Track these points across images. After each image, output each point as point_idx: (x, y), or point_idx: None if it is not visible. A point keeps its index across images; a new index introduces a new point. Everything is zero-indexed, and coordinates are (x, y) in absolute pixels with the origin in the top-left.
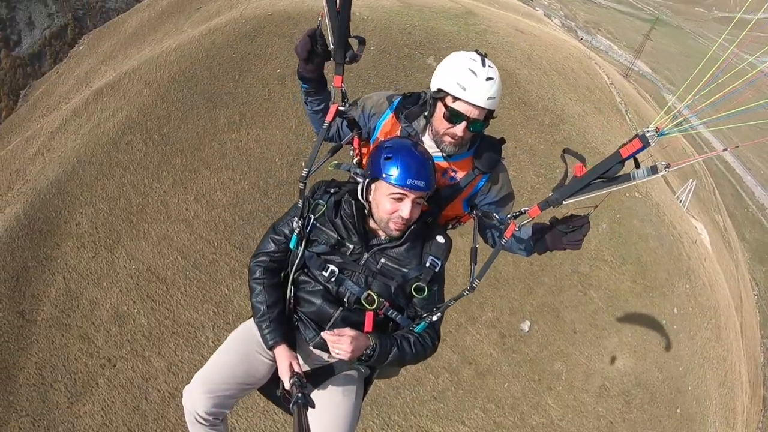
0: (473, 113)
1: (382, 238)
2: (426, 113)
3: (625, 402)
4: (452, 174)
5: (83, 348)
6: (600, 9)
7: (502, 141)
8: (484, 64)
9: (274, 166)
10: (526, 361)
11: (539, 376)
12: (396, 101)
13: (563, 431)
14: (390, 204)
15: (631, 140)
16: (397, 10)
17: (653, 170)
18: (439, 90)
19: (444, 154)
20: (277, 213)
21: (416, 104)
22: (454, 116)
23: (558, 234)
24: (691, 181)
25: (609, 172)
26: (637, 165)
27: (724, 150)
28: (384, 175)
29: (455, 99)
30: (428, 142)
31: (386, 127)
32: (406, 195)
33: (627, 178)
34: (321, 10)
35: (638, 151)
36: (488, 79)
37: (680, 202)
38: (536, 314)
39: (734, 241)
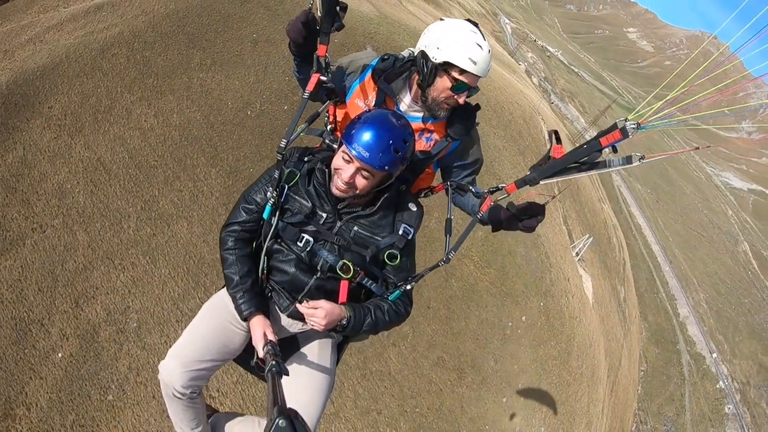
0: (475, 83)
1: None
2: (404, 75)
3: (458, 377)
4: (428, 135)
5: (21, 211)
6: (582, 83)
7: (477, 107)
8: (483, 37)
9: (225, 107)
10: None
11: (388, 332)
12: (374, 62)
13: (397, 383)
14: (340, 161)
15: (611, 130)
16: (371, 18)
17: (628, 160)
18: (447, 63)
19: (425, 115)
20: (217, 144)
21: (392, 66)
22: (460, 87)
23: (515, 218)
24: (587, 236)
25: (587, 159)
26: (615, 150)
27: (696, 148)
28: (343, 133)
29: (463, 71)
30: (407, 104)
31: (362, 87)
32: (351, 160)
33: (603, 164)
34: None
35: (617, 142)
36: (489, 51)
37: (575, 251)
38: None
39: (632, 316)
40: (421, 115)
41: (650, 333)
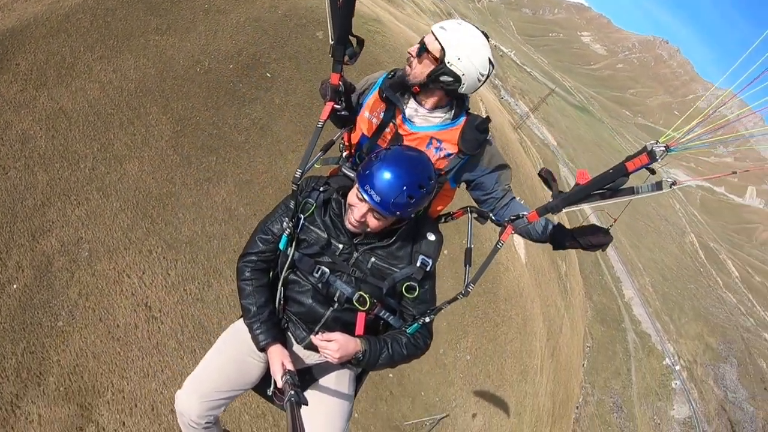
0: None
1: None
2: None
3: None
4: (437, 145)
5: None
6: (533, 81)
7: (488, 119)
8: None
9: (177, 65)
10: None
11: None
12: (381, 78)
13: None
14: (354, 198)
15: (638, 154)
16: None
17: (658, 186)
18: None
19: (428, 118)
20: (168, 95)
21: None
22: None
23: (579, 244)
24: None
25: (613, 184)
26: (653, 172)
27: (734, 173)
28: (359, 170)
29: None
30: (411, 106)
31: (371, 101)
32: (363, 199)
33: (630, 191)
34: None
35: (644, 166)
36: (460, 21)
37: None
38: None
39: (575, 291)
40: (427, 123)
41: (595, 312)
